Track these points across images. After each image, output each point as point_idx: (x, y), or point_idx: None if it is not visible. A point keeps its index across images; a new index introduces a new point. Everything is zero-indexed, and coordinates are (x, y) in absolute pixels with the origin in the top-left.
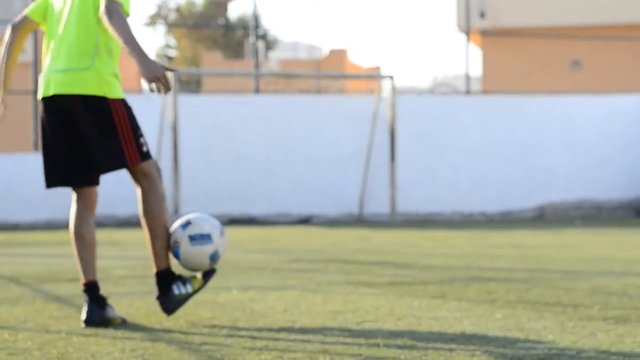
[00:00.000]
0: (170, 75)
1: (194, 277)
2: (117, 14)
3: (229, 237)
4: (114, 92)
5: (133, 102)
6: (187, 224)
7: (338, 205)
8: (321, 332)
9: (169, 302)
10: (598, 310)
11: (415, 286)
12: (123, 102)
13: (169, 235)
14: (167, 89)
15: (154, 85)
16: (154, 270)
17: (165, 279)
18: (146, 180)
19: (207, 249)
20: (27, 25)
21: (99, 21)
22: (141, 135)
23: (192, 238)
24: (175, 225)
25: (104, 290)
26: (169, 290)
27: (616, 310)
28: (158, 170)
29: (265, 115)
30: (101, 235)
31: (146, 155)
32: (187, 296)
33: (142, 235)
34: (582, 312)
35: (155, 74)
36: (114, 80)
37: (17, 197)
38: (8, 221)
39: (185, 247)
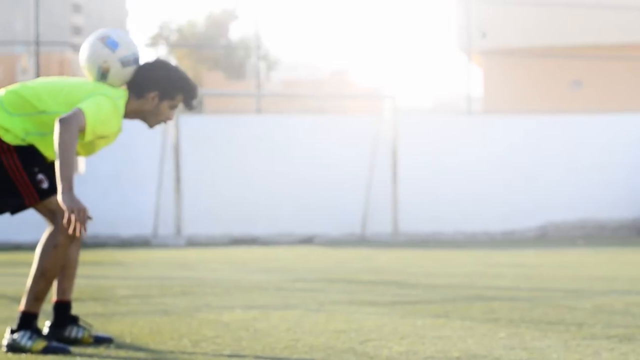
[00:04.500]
0: None
1: (43, 339)
2: (70, 126)
3: (232, 257)
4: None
5: (134, 122)
6: (115, 45)
7: (340, 225)
8: (324, 351)
9: (8, 341)
10: (601, 329)
11: (418, 305)
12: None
13: (46, 283)
14: (82, 224)
15: (71, 217)
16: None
17: (23, 320)
18: (51, 217)
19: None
20: None
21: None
22: (37, 173)
23: (124, 61)
24: (99, 44)
25: (107, 309)
26: (16, 332)
27: (620, 329)
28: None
29: (267, 136)
30: (105, 255)
31: (46, 193)
32: (21, 350)
33: (146, 255)
34: (585, 330)
35: (75, 206)
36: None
37: (19, 217)
38: (10, 241)
39: (116, 70)
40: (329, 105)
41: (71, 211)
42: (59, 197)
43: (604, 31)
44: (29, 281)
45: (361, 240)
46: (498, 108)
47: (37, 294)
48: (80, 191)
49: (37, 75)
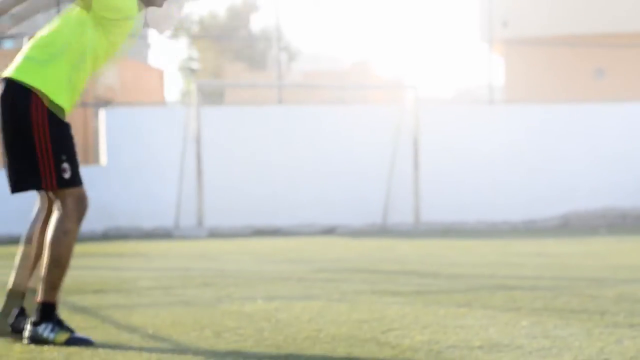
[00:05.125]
0: (194, 88)
1: (66, 331)
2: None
3: (254, 248)
4: (53, 94)
5: (156, 114)
6: None
7: (362, 215)
8: (346, 341)
9: (30, 333)
10: (624, 317)
11: (440, 295)
12: (50, 114)
13: (60, 271)
14: None
15: None
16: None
17: (43, 312)
18: (58, 208)
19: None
20: None
21: (82, 24)
22: (64, 161)
23: None
24: None
25: (130, 301)
26: (38, 324)
27: None
28: (79, 202)
29: (288, 126)
30: (127, 247)
31: (67, 183)
32: (44, 342)
33: (168, 246)
34: (608, 319)
35: None
36: (62, 85)
37: (20, 208)
38: (11, 234)
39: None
40: (351, 96)
41: None
42: None
43: (626, 19)
44: (43, 271)
45: (383, 230)
46: (519, 97)
47: (53, 283)
48: (102, 183)
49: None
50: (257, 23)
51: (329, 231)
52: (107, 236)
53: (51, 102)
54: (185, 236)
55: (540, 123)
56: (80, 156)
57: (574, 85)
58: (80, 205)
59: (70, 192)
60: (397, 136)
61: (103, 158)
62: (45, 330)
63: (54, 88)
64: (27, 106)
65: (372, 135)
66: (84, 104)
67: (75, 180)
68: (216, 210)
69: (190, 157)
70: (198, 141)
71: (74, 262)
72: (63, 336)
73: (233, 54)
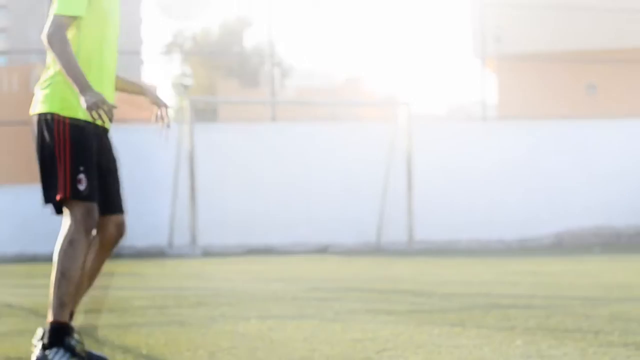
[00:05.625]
0: (187, 104)
1: (79, 351)
2: (56, 36)
3: (248, 267)
4: (65, 109)
5: (148, 131)
6: None
7: (355, 234)
8: None
9: (37, 356)
10: (618, 337)
11: (434, 314)
12: (71, 125)
13: (68, 284)
14: (109, 117)
15: (95, 114)
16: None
17: (53, 333)
18: (66, 219)
19: None
20: None
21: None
22: (81, 172)
23: None
24: None
25: (124, 320)
26: (48, 348)
27: (637, 336)
28: (88, 215)
29: (281, 143)
30: (120, 266)
31: (79, 195)
32: None
33: (162, 265)
34: (602, 338)
35: (96, 103)
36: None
37: (35, 228)
38: (27, 253)
39: None
40: (344, 113)
41: (94, 108)
42: (81, 100)
43: (618, 35)
44: (51, 288)
45: (376, 249)
46: (513, 114)
47: (60, 299)
48: None
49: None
50: (250, 40)
51: (323, 250)
52: None
53: (72, 118)
54: (179, 255)
55: (534, 140)
56: None
57: (567, 101)
58: (89, 218)
59: (82, 204)
60: (390, 154)
61: None
62: (55, 356)
63: (64, 105)
64: (51, 130)
65: (366, 152)
66: None
67: (89, 195)
68: (210, 228)
69: (183, 174)
70: (191, 158)
71: None
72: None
73: (226, 70)
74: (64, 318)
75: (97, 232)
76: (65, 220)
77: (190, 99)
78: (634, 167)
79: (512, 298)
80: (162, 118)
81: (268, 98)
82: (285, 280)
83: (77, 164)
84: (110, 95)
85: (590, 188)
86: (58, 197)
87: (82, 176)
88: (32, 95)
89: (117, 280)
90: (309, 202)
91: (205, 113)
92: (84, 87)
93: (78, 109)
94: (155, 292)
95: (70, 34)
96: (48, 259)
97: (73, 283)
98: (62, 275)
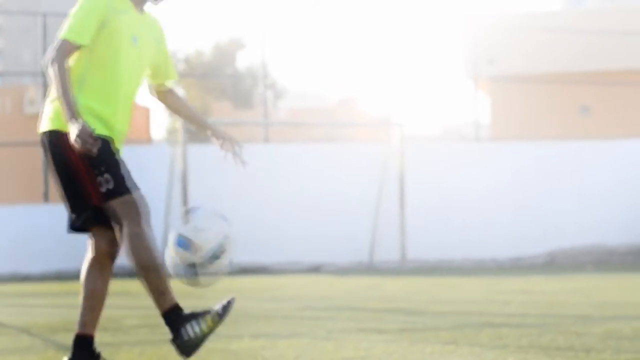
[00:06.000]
0: (179, 125)
1: (207, 314)
2: (55, 60)
3: (240, 285)
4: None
5: (142, 152)
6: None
7: (348, 253)
8: None
9: (181, 348)
10: (610, 355)
11: (427, 332)
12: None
13: (154, 273)
14: (94, 149)
15: (79, 145)
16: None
17: (171, 320)
18: (115, 220)
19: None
20: None
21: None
22: (103, 172)
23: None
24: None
25: (116, 339)
26: (178, 334)
27: (629, 354)
28: (131, 207)
29: (274, 164)
30: (112, 285)
31: (108, 195)
32: (199, 339)
33: None
34: (594, 356)
35: (79, 135)
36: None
37: (27, 248)
38: (19, 272)
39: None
40: (337, 134)
41: (77, 141)
42: (70, 129)
43: (611, 57)
44: (143, 284)
45: (369, 268)
46: (506, 135)
47: (158, 289)
48: None
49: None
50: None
51: (315, 269)
52: None
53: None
54: (171, 274)
55: (527, 160)
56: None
57: (560, 122)
58: (133, 209)
59: (118, 201)
60: (383, 174)
61: None
62: (187, 331)
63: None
64: (62, 147)
65: (359, 173)
66: None
67: (120, 190)
68: None
69: (176, 195)
70: (184, 179)
71: (59, 300)
72: (209, 321)
73: (219, 92)
74: (170, 303)
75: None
76: (116, 226)
77: (184, 121)
78: (626, 187)
79: (504, 316)
80: (236, 155)
81: (261, 119)
82: (278, 299)
83: (99, 167)
84: (123, 123)
85: (582, 207)
86: (99, 204)
87: (106, 176)
88: (25, 117)
89: (109, 299)
90: (302, 222)
91: (198, 134)
92: (71, 116)
93: (89, 124)
94: (147, 310)
95: (79, 59)
96: (41, 278)
97: (159, 271)
98: (146, 268)
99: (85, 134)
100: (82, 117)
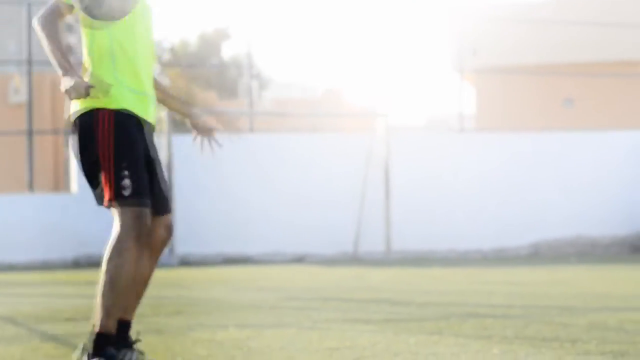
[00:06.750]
0: (164, 115)
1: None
2: (45, 18)
3: (225, 276)
4: (107, 102)
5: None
6: None
7: (333, 244)
8: None
9: None
10: (596, 345)
11: (411, 323)
12: (116, 119)
13: (112, 293)
14: (81, 95)
15: (73, 95)
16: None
17: (97, 343)
18: (116, 223)
19: None
20: None
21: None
22: (127, 173)
23: None
24: None
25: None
26: (92, 358)
27: (614, 345)
28: (138, 220)
29: (259, 154)
30: (98, 275)
31: (124, 199)
32: None
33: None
34: (579, 347)
35: (74, 86)
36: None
37: (12, 237)
38: (4, 262)
39: None
40: (322, 124)
41: (71, 91)
42: (62, 82)
43: (595, 49)
44: (98, 297)
45: (353, 259)
46: (491, 126)
47: (107, 309)
48: (74, 210)
49: (30, 95)
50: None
51: (300, 259)
52: (78, 264)
53: (115, 111)
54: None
55: (511, 151)
56: (51, 184)
57: (545, 113)
58: (139, 223)
59: (130, 209)
60: (368, 164)
61: (74, 185)
62: None
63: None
64: (91, 126)
65: (343, 163)
66: (55, 131)
67: (137, 198)
68: (187, 238)
69: None
70: (169, 169)
71: (44, 289)
72: None
73: (204, 82)
74: (109, 328)
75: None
76: (115, 225)
77: (168, 110)
78: (609, 178)
79: (489, 307)
80: (209, 145)
81: (246, 109)
82: (263, 289)
83: (121, 163)
84: (151, 88)
85: (566, 199)
86: (105, 203)
87: (127, 181)
88: (10, 106)
89: (95, 289)
90: (287, 212)
91: (183, 124)
92: (66, 69)
93: (121, 100)
94: (144, 309)
95: (102, 36)
96: (26, 267)
97: (120, 295)
98: (110, 285)
99: (81, 86)
100: (122, 94)
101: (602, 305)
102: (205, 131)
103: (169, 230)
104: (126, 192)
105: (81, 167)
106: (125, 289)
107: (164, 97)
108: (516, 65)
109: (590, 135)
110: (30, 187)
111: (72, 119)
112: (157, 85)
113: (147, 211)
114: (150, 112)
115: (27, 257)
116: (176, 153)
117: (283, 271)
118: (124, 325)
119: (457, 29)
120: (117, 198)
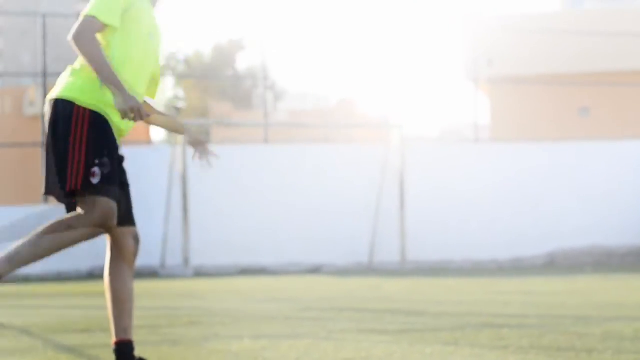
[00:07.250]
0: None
1: None
2: (84, 38)
3: (240, 287)
4: (87, 100)
5: (142, 153)
6: None
7: (348, 254)
8: None
9: None
10: (611, 355)
11: (427, 333)
12: (92, 115)
13: (30, 250)
14: (142, 118)
15: (128, 116)
16: None
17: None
18: (71, 210)
19: None
20: None
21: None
22: (96, 165)
23: None
24: None
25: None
26: None
27: (630, 355)
28: (101, 212)
29: (274, 165)
30: None
31: (93, 189)
32: None
33: (154, 285)
34: (595, 357)
35: (130, 105)
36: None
37: None
38: (19, 273)
39: None
40: (336, 135)
41: (127, 113)
42: (114, 98)
43: (610, 58)
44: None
45: (369, 269)
46: (505, 136)
47: (13, 259)
48: None
49: (44, 107)
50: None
51: (315, 270)
52: (92, 275)
53: (92, 111)
54: (171, 275)
55: (527, 161)
56: None
57: (559, 123)
58: (101, 214)
59: (95, 199)
60: (383, 175)
61: None
62: None
63: (87, 95)
64: (69, 115)
65: (358, 174)
66: None
67: (105, 190)
68: (202, 249)
69: (176, 196)
70: (184, 180)
71: (59, 301)
72: None
73: (219, 93)
74: (3, 271)
75: (117, 247)
76: (78, 210)
77: (183, 122)
78: (625, 188)
79: (505, 317)
80: (203, 156)
81: (261, 120)
82: (278, 300)
83: (94, 154)
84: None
85: (582, 208)
86: (67, 188)
87: (96, 169)
88: (25, 118)
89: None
90: (302, 223)
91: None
92: (118, 86)
93: (100, 104)
94: (148, 311)
95: (111, 42)
96: (40, 279)
97: (37, 256)
98: (34, 244)
99: (135, 104)
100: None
101: (618, 315)
102: (198, 144)
103: (137, 240)
104: (94, 180)
105: (52, 149)
106: (43, 255)
107: (157, 118)
108: (531, 75)
109: (605, 145)
110: (45, 198)
111: (51, 100)
112: (148, 107)
113: (113, 206)
114: (126, 129)
115: (41, 269)
116: (191, 164)
117: (298, 282)
118: (127, 346)
119: (471, 39)
120: (85, 185)
